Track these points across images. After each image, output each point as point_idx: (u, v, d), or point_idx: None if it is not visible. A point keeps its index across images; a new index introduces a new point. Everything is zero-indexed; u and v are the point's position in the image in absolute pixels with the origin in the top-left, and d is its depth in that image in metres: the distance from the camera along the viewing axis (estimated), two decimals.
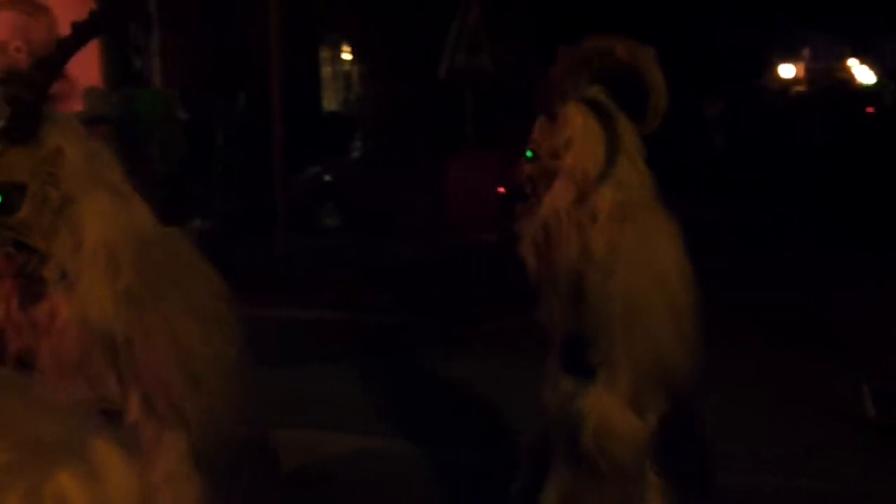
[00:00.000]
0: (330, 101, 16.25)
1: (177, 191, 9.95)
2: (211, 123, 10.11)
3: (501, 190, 8.62)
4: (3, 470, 0.65)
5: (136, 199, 2.53)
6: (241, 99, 9.87)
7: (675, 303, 2.94)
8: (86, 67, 8.40)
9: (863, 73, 23.67)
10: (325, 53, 16.19)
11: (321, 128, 13.09)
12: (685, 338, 2.94)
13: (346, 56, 16.80)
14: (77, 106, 8.23)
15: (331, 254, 9.63)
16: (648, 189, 3.06)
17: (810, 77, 24.05)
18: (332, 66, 16.94)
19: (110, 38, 9.29)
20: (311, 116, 13.17)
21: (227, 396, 2.84)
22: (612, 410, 3.04)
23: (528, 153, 3.35)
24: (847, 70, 23.89)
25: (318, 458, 4.98)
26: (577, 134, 3.02)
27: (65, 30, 7.79)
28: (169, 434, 2.56)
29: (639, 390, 3.04)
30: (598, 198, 3.04)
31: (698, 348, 2.95)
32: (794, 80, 24.46)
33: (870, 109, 17.63)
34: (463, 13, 7.50)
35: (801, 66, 25.16)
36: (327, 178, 11.52)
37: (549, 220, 3.12)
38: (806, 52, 25.18)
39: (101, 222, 2.48)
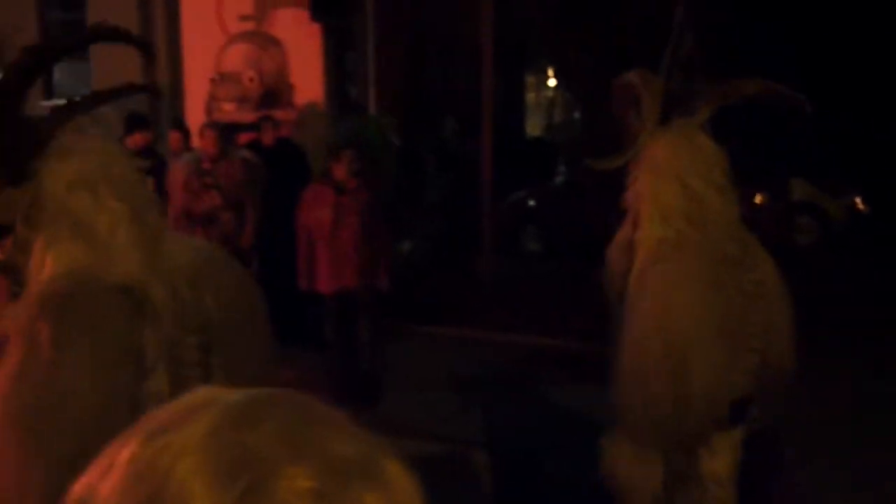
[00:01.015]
0: (533, 127, 16.34)
1: (389, 214, 10.32)
2: (421, 149, 10.39)
3: None
4: (312, 496, 0.64)
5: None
6: (450, 125, 10.09)
7: (678, 355, 2.71)
8: (311, 97, 8.90)
9: None
10: (530, 79, 16.34)
11: (525, 153, 13.15)
12: (692, 397, 2.70)
13: (551, 82, 16.86)
14: (302, 134, 8.72)
15: (534, 278, 9.63)
16: (717, 225, 2.82)
17: None
18: (536, 91, 17.06)
19: (331, 69, 9.77)
20: (516, 142, 13.27)
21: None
22: (619, 456, 2.92)
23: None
24: None
25: (530, 480, 4.95)
26: (649, 167, 2.91)
27: (295, 61, 8.30)
28: None
29: (643, 436, 2.87)
30: (642, 234, 2.92)
31: (715, 401, 2.71)
32: None
33: None
34: (676, 41, 7.26)
35: None
36: (531, 202, 11.55)
37: (611, 254, 3.05)
38: None
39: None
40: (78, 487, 0.68)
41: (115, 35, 2.76)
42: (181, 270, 2.53)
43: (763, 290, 2.83)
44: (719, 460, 2.87)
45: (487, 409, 5.93)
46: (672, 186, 2.86)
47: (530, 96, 16.67)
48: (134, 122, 7.42)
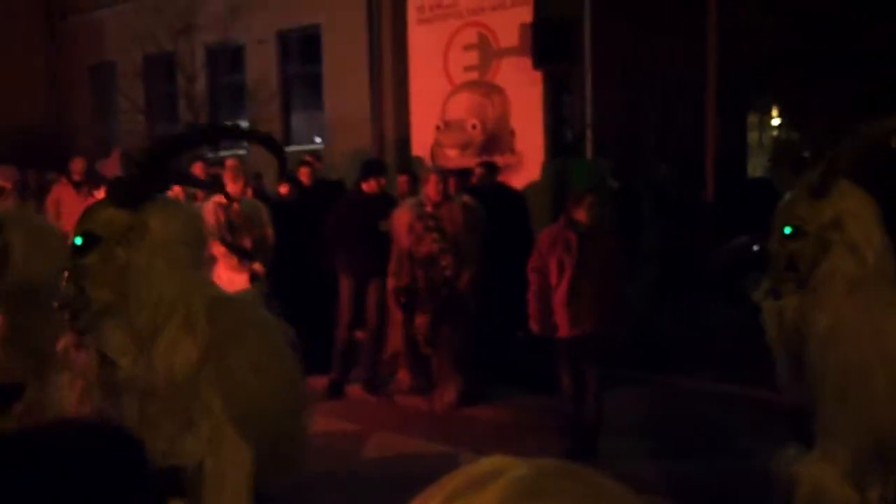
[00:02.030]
0: (755, 168, 15.71)
1: None
2: (638, 192, 10.24)
3: None
4: None
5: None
6: (664, 169, 9.90)
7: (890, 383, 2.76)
8: (531, 142, 9.05)
9: None
10: (752, 119, 15.77)
11: (748, 195, 12.65)
12: None
13: (775, 121, 16.18)
14: (522, 176, 8.88)
15: (758, 327, 9.20)
16: (886, 259, 2.96)
17: None
18: (759, 131, 16.42)
19: (549, 114, 9.89)
20: (738, 184, 12.81)
21: (276, 443, 3.19)
22: (826, 481, 2.91)
23: (788, 229, 3.33)
24: None
25: None
26: (850, 208, 3.00)
27: (515, 107, 8.46)
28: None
29: (859, 465, 2.87)
30: (831, 268, 3.03)
31: None
32: None
33: None
34: None
35: None
36: (755, 247, 11.07)
37: (818, 287, 3.08)
38: None
39: (175, 282, 2.83)
40: None
41: (239, 135, 3.73)
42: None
43: None
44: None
45: (707, 457, 5.72)
46: (870, 226, 3.01)
47: (752, 136, 16.05)
48: (371, 168, 7.82)
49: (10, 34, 15.70)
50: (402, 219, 7.42)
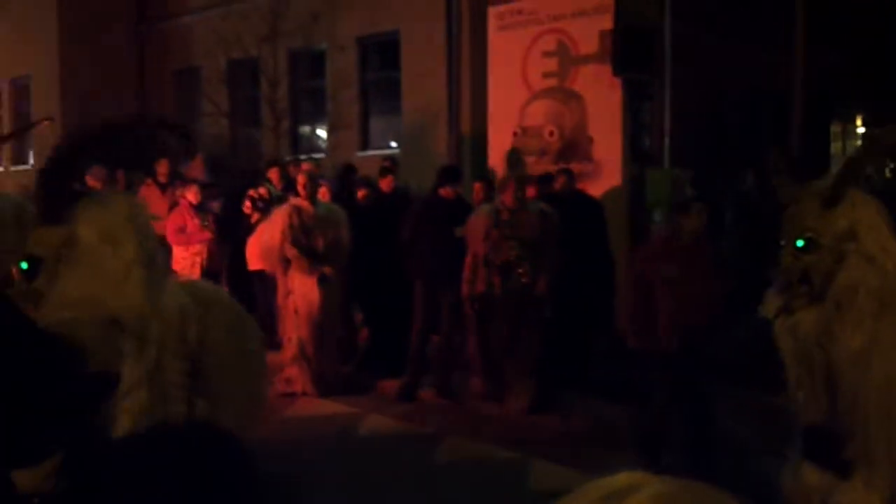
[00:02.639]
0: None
1: None
2: (718, 202, 10.05)
3: None
4: None
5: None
6: (749, 178, 9.67)
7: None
8: (608, 149, 8.96)
9: None
10: (835, 128, 15.31)
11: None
12: None
13: (860, 130, 15.70)
14: (599, 184, 8.79)
15: None
16: None
17: None
18: (842, 141, 15.94)
19: (628, 122, 9.77)
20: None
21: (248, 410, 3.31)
22: (854, 497, 2.83)
23: (800, 241, 3.19)
24: None
25: None
26: (864, 218, 2.92)
27: (593, 114, 8.35)
28: None
29: (888, 478, 2.80)
30: (852, 282, 2.93)
31: None
32: None
33: None
34: None
35: None
36: None
37: (842, 303, 2.94)
38: None
39: (99, 284, 2.81)
40: None
41: (155, 124, 3.68)
42: (173, 308, 3.01)
43: None
44: None
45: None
46: (881, 232, 2.97)
47: (835, 146, 15.60)
48: (448, 174, 7.83)
49: (102, 38, 16.21)
50: (478, 225, 7.40)
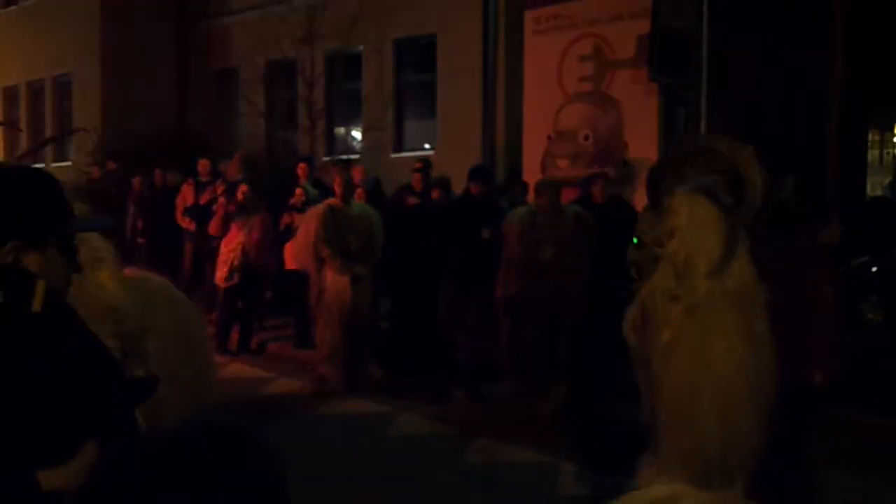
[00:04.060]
0: (875, 186, 14.99)
1: None
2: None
3: None
4: None
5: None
6: (789, 183, 9.47)
7: (726, 399, 2.82)
8: (643, 154, 8.84)
9: None
10: (873, 136, 15.06)
11: (867, 215, 12.05)
12: (738, 434, 2.80)
13: None
14: (633, 188, 8.66)
15: (873, 351, 8.74)
16: (742, 280, 2.94)
17: None
18: (879, 149, 15.68)
19: (663, 127, 9.65)
20: (855, 202, 12.23)
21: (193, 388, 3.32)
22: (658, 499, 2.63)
23: (635, 240, 3.37)
24: None
25: None
26: (682, 223, 2.99)
27: (629, 119, 8.25)
28: None
29: (695, 481, 2.81)
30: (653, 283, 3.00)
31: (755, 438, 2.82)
32: None
33: None
34: None
35: None
36: (874, 269, 10.54)
37: (646, 304, 3.06)
38: None
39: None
40: None
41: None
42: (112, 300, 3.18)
43: (762, 342, 3.02)
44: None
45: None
46: (702, 239, 3.01)
47: (872, 154, 15.32)
48: (477, 175, 7.80)
49: (144, 38, 16.34)
50: (512, 227, 7.36)
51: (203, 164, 10.81)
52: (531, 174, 9.46)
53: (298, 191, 9.50)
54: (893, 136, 15.65)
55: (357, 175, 9.78)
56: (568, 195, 8.03)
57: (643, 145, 8.99)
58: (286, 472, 1.07)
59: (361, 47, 13.61)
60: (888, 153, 15.80)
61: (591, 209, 7.60)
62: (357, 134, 14.38)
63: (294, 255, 8.30)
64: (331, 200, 7.78)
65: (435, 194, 8.41)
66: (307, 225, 7.76)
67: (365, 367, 7.82)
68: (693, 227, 3.11)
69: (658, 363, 3.06)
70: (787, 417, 5.22)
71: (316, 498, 5.30)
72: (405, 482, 5.58)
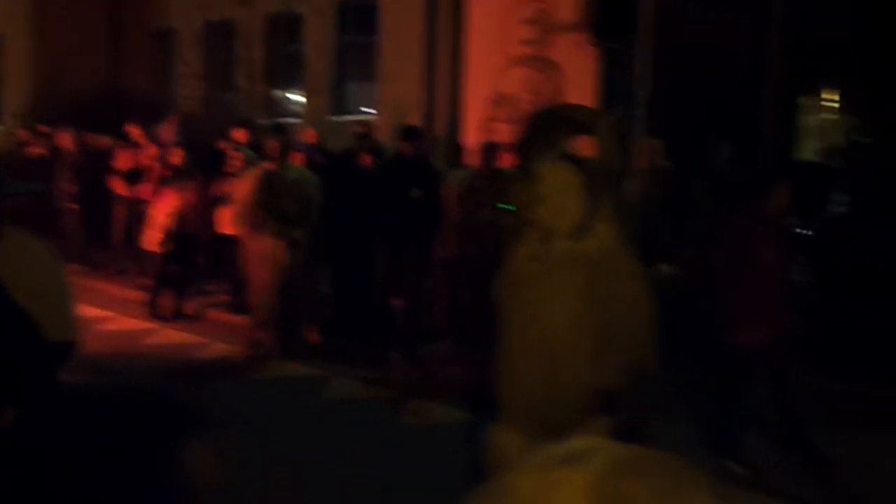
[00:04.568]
0: (805, 152, 15.21)
1: (650, 237, 9.96)
2: (689, 173, 9.91)
3: None
4: None
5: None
6: (725, 150, 9.53)
7: (552, 356, 3.00)
8: None
9: None
10: (805, 101, 15.24)
11: (797, 179, 12.21)
12: (570, 386, 2.99)
13: (827, 104, 15.64)
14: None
15: (802, 312, 8.88)
16: (604, 242, 3.07)
17: None
18: (810, 114, 15.88)
19: (602, 91, 9.59)
20: (788, 168, 12.38)
21: None
22: (506, 440, 3.15)
23: (508, 206, 3.55)
24: None
25: None
26: (547, 189, 3.08)
27: (571, 85, 8.15)
28: None
29: (524, 425, 3.11)
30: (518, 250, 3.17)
31: (582, 394, 2.98)
32: None
33: None
34: None
35: None
36: (804, 231, 10.70)
37: (512, 266, 3.22)
38: None
39: None
40: None
41: None
42: None
43: (631, 302, 3.11)
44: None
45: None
46: (565, 204, 3.11)
47: (804, 118, 15.53)
48: (406, 134, 7.75)
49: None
50: (452, 190, 7.30)
51: (132, 128, 10.47)
52: (473, 137, 9.35)
53: (236, 155, 9.26)
54: (820, 101, 15.89)
55: (309, 138, 9.59)
56: (509, 158, 7.96)
57: None
58: (204, 434, 1.10)
59: (303, 9, 13.28)
60: (817, 118, 16.05)
61: None
62: (297, 97, 14.08)
63: (230, 219, 8.11)
64: (266, 164, 7.58)
65: (367, 159, 8.28)
66: (243, 189, 7.57)
67: (301, 332, 7.70)
68: (557, 192, 3.22)
69: (510, 320, 3.22)
70: (731, 379, 5.34)
71: (248, 462, 5.19)
72: (338, 446, 5.50)
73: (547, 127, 3.43)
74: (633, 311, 3.10)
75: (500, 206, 3.60)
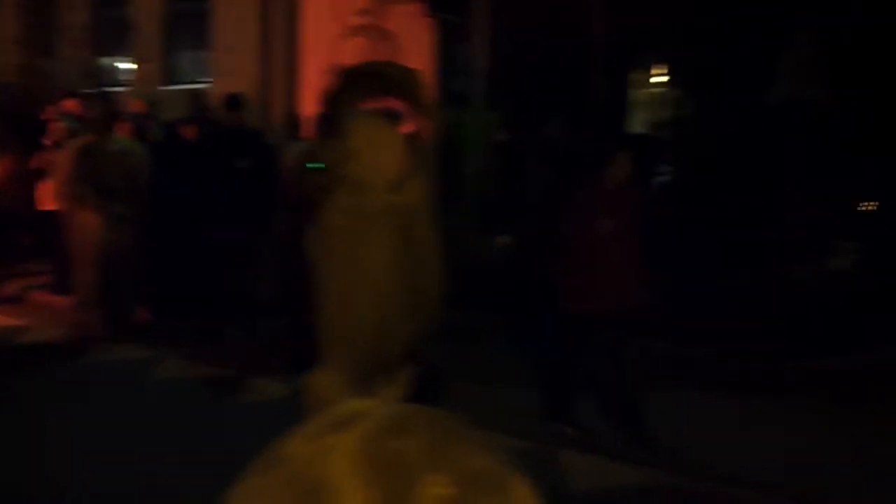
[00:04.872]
0: (637, 124, 15.83)
1: (487, 208, 10.11)
2: (525, 144, 10.12)
3: None
4: (448, 502, 0.69)
5: None
6: (556, 121, 9.77)
7: (376, 299, 3.12)
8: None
9: None
10: (636, 76, 15.82)
11: (628, 150, 12.70)
12: (388, 330, 3.13)
13: (657, 79, 16.30)
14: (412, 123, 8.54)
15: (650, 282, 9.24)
16: (412, 197, 3.16)
17: None
18: (641, 88, 16.52)
19: (440, 62, 9.59)
20: (618, 138, 12.84)
21: None
22: (327, 381, 3.25)
23: (317, 165, 3.56)
24: None
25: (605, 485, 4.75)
26: (360, 145, 3.15)
27: (406, 54, 8.07)
28: None
29: (345, 367, 3.21)
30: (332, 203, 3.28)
31: (399, 341, 3.14)
32: None
33: None
34: (795, 42, 6.90)
35: None
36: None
37: (325, 222, 3.29)
38: None
39: None
40: (240, 483, 0.75)
41: None
42: None
43: (430, 253, 3.27)
44: (395, 389, 3.28)
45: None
46: (378, 159, 3.21)
47: (635, 93, 16.14)
48: (228, 104, 7.53)
49: None
50: (289, 163, 7.18)
51: None
52: (309, 108, 9.13)
53: (58, 125, 8.70)
54: (652, 76, 16.55)
55: (137, 108, 9.12)
56: None
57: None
58: None
59: None
60: (646, 92, 16.73)
61: None
62: (124, 65, 13.34)
63: (50, 194, 7.62)
64: (88, 136, 7.15)
65: (190, 130, 7.96)
66: (64, 162, 7.11)
67: (128, 311, 7.33)
68: (371, 147, 3.28)
69: (325, 272, 3.28)
70: (569, 346, 5.45)
71: (72, 447, 4.93)
72: (167, 426, 5.28)
73: (355, 83, 3.44)
74: (430, 261, 3.23)
75: (309, 165, 3.67)
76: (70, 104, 9.02)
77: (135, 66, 12.90)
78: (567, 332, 5.42)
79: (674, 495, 4.79)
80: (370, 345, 3.13)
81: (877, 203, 11.05)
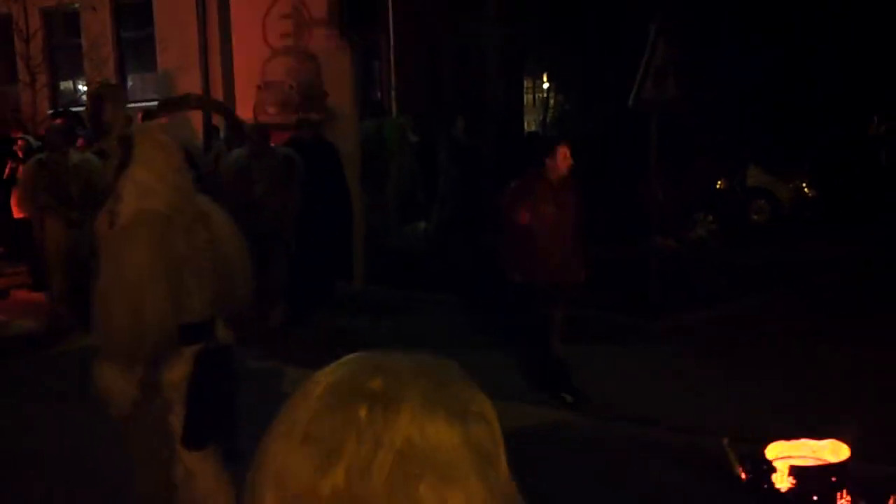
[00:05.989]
0: (530, 124, 16.12)
1: (408, 200, 10.25)
2: (435, 144, 10.26)
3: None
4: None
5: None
6: (460, 123, 9.93)
7: (132, 297, 3.06)
8: (341, 102, 8.78)
9: None
10: (528, 83, 16.10)
11: (523, 146, 12.97)
12: (141, 323, 3.05)
13: (546, 85, 16.63)
14: (335, 132, 8.60)
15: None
16: (171, 205, 3.13)
17: None
18: (533, 93, 16.83)
19: (357, 78, 9.62)
20: (515, 137, 13.09)
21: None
22: (105, 371, 3.22)
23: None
24: None
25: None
26: (140, 156, 3.13)
27: (327, 71, 8.02)
28: None
29: (116, 357, 3.20)
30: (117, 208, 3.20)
31: (165, 328, 3.05)
32: None
33: None
34: (651, 50, 7.30)
35: None
36: None
37: (97, 229, 3.27)
38: None
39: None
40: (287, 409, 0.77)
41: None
42: None
43: (214, 244, 3.23)
44: (175, 371, 3.16)
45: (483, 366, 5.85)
46: (144, 172, 3.14)
47: (528, 97, 16.44)
48: (167, 105, 7.41)
49: None
50: (229, 170, 7.21)
51: None
52: (244, 117, 9.06)
53: (20, 142, 8.50)
54: (543, 82, 16.87)
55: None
56: (278, 138, 7.84)
57: (340, 94, 8.89)
58: None
59: (77, 5, 12.19)
60: (539, 96, 17.05)
61: (299, 150, 7.49)
62: (83, 87, 12.97)
63: (17, 204, 7.47)
64: (42, 155, 7.04)
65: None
66: (25, 176, 6.99)
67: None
68: (136, 162, 3.26)
69: (99, 272, 3.23)
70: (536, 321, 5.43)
71: (48, 430, 4.89)
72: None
73: (109, 102, 3.43)
74: (216, 252, 3.22)
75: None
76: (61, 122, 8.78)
77: (89, 89, 12.57)
78: (533, 306, 5.43)
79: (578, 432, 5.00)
80: (130, 342, 3.11)
81: (725, 181, 11.59)
